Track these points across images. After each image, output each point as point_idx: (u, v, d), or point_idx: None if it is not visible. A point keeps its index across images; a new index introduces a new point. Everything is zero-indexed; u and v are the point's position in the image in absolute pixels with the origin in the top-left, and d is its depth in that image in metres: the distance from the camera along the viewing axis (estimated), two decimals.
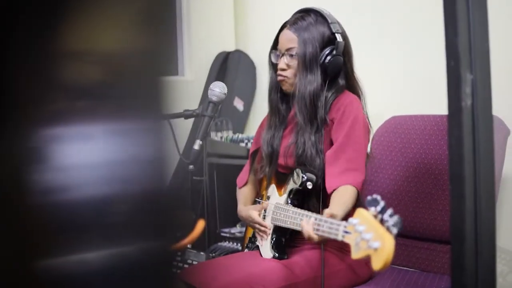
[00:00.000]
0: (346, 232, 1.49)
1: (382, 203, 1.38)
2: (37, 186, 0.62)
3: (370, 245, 1.34)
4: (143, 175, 0.68)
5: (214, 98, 2.15)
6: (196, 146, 2.11)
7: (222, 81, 3.36)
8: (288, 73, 2.05)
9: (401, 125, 2.46)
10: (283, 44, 2.06)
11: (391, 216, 1.36)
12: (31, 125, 0.62)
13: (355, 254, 1.42)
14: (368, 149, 2.09)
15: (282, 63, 2.06)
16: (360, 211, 1.43)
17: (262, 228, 2.04)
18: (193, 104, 3.57)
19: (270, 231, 2.02)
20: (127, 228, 0.67)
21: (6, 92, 0.61)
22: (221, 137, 3.45)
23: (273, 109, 2.15)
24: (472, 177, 1.00)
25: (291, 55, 2.04)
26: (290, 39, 2.04)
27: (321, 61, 2.00)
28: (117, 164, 0.67)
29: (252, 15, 3.93)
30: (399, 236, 2.36)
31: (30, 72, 0.62)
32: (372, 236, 1.35)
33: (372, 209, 1.39)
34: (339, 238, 1.53)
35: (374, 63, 3.07)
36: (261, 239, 2.06)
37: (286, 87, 2.08)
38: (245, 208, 2.17)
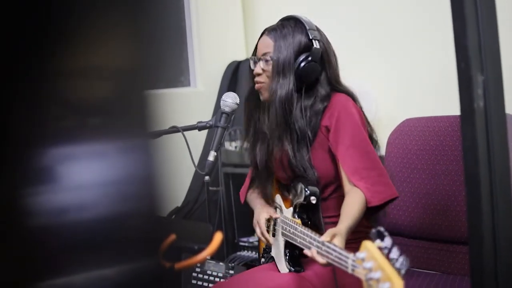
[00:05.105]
0: (355, 266, 1.46)
1: (388, 239, 1.35)
2: (32, 207, 0.62)
3: (380, 286, 1.32)
4: (131, 194, 0.67)
5: (227, 109, 2.16)
6: (211, 158, 2.11)
7: (234, 90, 3.37)
8: (263, 78, 2.00)
9: (415, 127, 2.45)
10: (260, 50, 2.03)
11: (398, 256, 1.32)
12: (33, 145, 0.63)
13: None
14: (383, 152, 2.04)
15: (258, 68, 2.02)
16: (365, 244, 1.38)
17: (267, 242, 2.04)
18: (206, 114, 3.58)
19: (283, 246, 2.00)
20: (118, 248, 0.67)
21: (7, 113, 0.61)
22: (236, 147, 3.46)
23: (248, 118, 2.11)
24: (487, 178, 0.99)
25: (266, 60, 1.99)
26: (266, 44, 2.01)
27: (295, 67, 1.95)
28: (107, 184, 0.67)
29: (261, 23, 3.93)
30: (418, 239, 2.36)
31: (35, 91, 0.63)
32: (380, 276, 1.32)
33: (378, 241, 1.37)
34: (349, 271, 1.47)
35: (385, 66, 3.07)
36: (274, 250, 2.05)
37: (264, 95, 2.03)
38: (258, 211, 2.11)
